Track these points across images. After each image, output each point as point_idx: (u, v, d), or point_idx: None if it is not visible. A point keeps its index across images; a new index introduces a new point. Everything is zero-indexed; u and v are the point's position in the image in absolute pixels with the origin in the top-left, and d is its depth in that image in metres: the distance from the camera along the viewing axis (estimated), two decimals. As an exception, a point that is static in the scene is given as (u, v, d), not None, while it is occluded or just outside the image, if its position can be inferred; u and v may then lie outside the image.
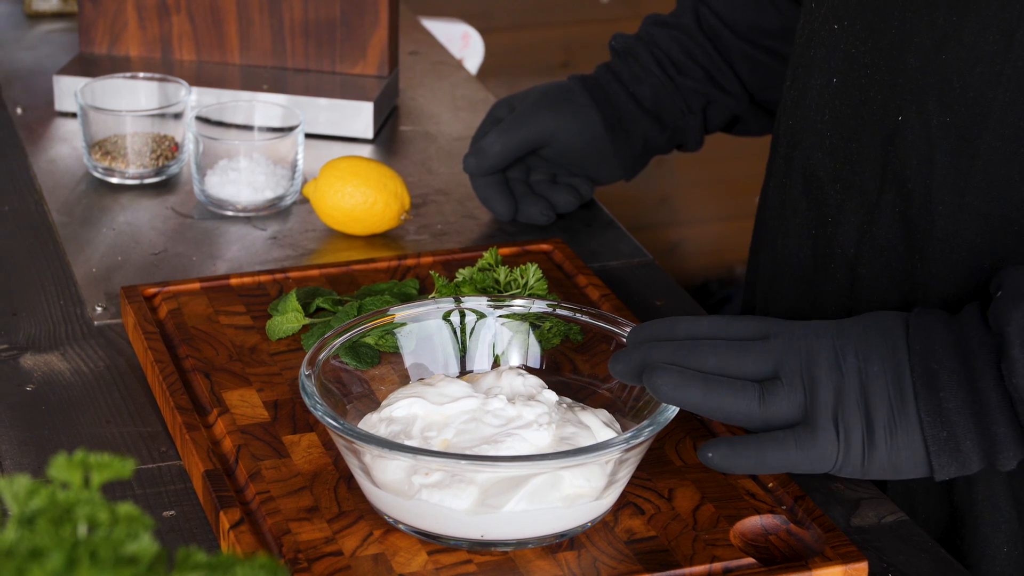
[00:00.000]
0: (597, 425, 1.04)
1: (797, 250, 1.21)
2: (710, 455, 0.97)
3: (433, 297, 1.20)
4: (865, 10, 1.12)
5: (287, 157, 1.46)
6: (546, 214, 1.43)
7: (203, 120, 1.49)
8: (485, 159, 1.41)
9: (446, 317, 1.12)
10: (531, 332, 1.13)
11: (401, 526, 1.00)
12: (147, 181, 1.51)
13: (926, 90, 1.07)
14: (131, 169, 1.50)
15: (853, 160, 1.13)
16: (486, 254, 1.25)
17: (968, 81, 1.04)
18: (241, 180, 1.44)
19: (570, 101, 1.41)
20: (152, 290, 1.26)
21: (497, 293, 1.22)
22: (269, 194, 1.45)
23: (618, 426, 1.05)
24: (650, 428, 0.98)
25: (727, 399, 0.96)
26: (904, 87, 1.08)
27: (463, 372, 1.12)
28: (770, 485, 1.05)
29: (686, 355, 0.98)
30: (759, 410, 0.96)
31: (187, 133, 1.51)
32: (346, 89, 1.63)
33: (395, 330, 1.11)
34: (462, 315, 1.12)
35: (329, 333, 1.08)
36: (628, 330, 1.06)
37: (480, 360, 1.13)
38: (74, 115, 1.64)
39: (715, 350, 0.98)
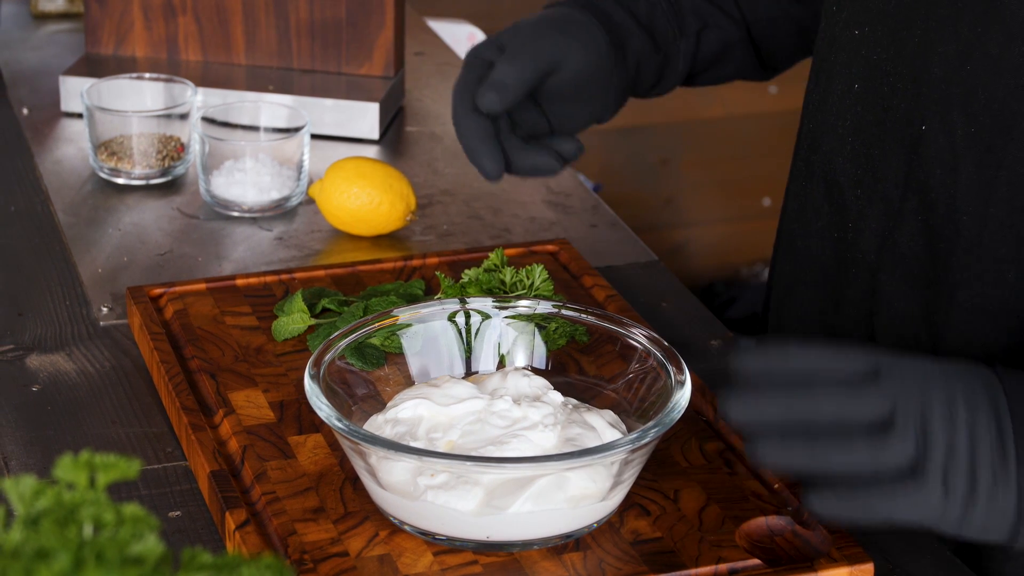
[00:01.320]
0: (603, 426, 1.04)
1: (819, 252, 1.20)
2: (815, 504, 0.92)
3: (439, 298, 1.20)
4: (886, 17, 1.11)
5: (293, 158, 1.46)
6: (557, 161, 1.26)
7: (209, 121, 1.49)
8: (507, 90, 1.22)
9: (451, 318, 1.12)
10: (537, 333, 1.13)
11: (407, 527, 1.00)
12: (153, 182, 1.51)
13: (950, 100, 1.06)
14: (137, 170, 1.50)
15: (875, 167, 1.12)
16: (492, 255, 1.25)
17: (993, 92, 1.03)
18: (247, 181, 1.44)
19: (573, 21, 1.27)
20: (158, 291, 1.26)
21: (503, 294, 1.22)
22: (275, 195, 1.45)
23: (623, 427, 1.05)
24: (656, 429, 0.98)
25: (835, 458, 0.91)
26: (928, 96, 1.07)
27: (468, 373, 1.12)
28: (776, 486, 1.05)
29: (800, 408, 0.92)
30: (870, 462, 0.91)
31: (193, 134, 1.51)
32: (352, 90, 1.63)
33: (401, 331, 1.11)
34: (467, 316, 1.12)
35: (335, 334, 1.08)
36: (739, 352, 0.96)
37: (486, 361, 1.13)
38: (80, 116, 1.64)
39: (829, 397, 0.92)
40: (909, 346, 1.11)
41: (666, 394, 1.03)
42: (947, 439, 0.91)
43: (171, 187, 1.51)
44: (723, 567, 0.98)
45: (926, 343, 1.10)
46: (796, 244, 1.23)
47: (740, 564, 0.98)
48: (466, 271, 1.24)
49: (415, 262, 1.32)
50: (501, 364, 1.13)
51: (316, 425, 1.11)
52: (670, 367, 1.05)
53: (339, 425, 0.98)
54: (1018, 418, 0.91)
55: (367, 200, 1.39)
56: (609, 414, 1.06)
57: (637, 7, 1.32)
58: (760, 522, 1.02)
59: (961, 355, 1.07)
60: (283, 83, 1.64)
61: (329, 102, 1.61)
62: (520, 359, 1.13)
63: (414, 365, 1.11)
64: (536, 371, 1.11)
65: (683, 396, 1.02)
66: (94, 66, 1.66)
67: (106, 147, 1.51)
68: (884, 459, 0.91)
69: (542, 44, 1.25)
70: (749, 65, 1.41)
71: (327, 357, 1.05)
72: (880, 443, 0.90)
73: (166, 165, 1.51)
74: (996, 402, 0.92)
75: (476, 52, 1.27)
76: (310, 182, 1.49)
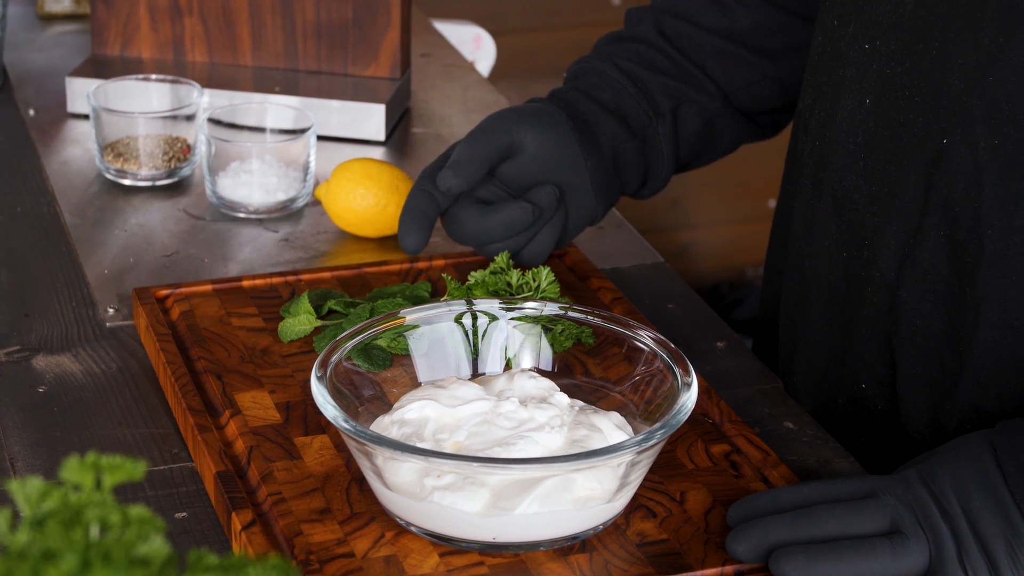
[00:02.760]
0: (609, 428, 1.04)
1: (827, 273, 1.18)
2: None
3: (445, 300, 1.20)
4: (901, 31, 1.09)
5: (299, 159, 1.46)
6: (529, 209, 1.25)
7: (215, 122, 1.49)
8: (462, 167, 1.25)
9: (458, 320, 1.12)
10: (543, 335, 1.13)
11: (413, 528, 1.00)
12: (159, 183, 1.51)
13: (972, 112, 1.05)
14: (143, 171, 1.50)
15: (892, 182, 1.11)
16: (498, 257, 1.25)
17: (1017, 103, 1.02)
18: (253, 182, 1.44)
19: (533, 109, 1.29)
20: (164, 292, 1.26)
21: (509, 296, 1.22)
22: (281, 196, 1.45)
23: (630, 428, 1.05)
24: (662, 431, 0.98)
25: (860, 562, 0.95)
26: (948, 109, 1.06)
27: (475, 374, 1.12)
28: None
29: (805, 525, 0.97)
30: (893, 564, 0.95)
31: (199, 135, 1.51)
32: (358, 91, 1.63)
33: (407, 332, 1.11)
34: (474, 317, 1.12)
35: (341, 335, 1.08)
36: (729, 510, 1.02)
37: (492, 362, 1.13)
38: (86, 117, 1.64)
39: (831, 513, 0.97)
40: (932, 364, 1.11)
41: (672, 396, 1.03)
42: (952, 531, 0.96)
43: (177, 188, 1.51)
44: (729, 568, 0.98)
45: (950, 360, 1.09)
46: (803, 264, 1.21)
47: (746, 566, 0.98)
48: (472, 273, 1.24)
49: (421, 264, 1.32)
50: (508, 366, 1.13)
51: (322, 426, 1.11)
52: (676, 369, 1.05)
53: (345, 426, 0.98)
54: (1012, 476, 0.96)
55: (373, 202, 1.39)
56: (615, 416, 1.06)
57: (601, 96, 1.32)
58: (766, 524, 1.02)
59: (987, 371, 1.07)
60: (289, 84, 1.64)
61: (335, 103, 1.61)
62: (526, 361, 1.13)
63: (420, 366, 1.11)
64: (542, 373, 1.11)
65: (689, 398, 1.02)
66: (100, 67, 1.66)
67: (112, 148, 1.51)
68: (908, 562, 0.96)
69: (499, 125, 1.27)
70: (745, 132, 1.40)
71: (334, 358, 1.05)
72: (899, 547, 0.96)
73: (172, 166, 1.51)
74: (987, 471, 0.97)
75: (445, 152, 1.29)
76: (316, 183, 1.49)
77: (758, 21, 1.36)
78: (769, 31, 1.35)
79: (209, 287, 1.27)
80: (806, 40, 1.34)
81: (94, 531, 0.64)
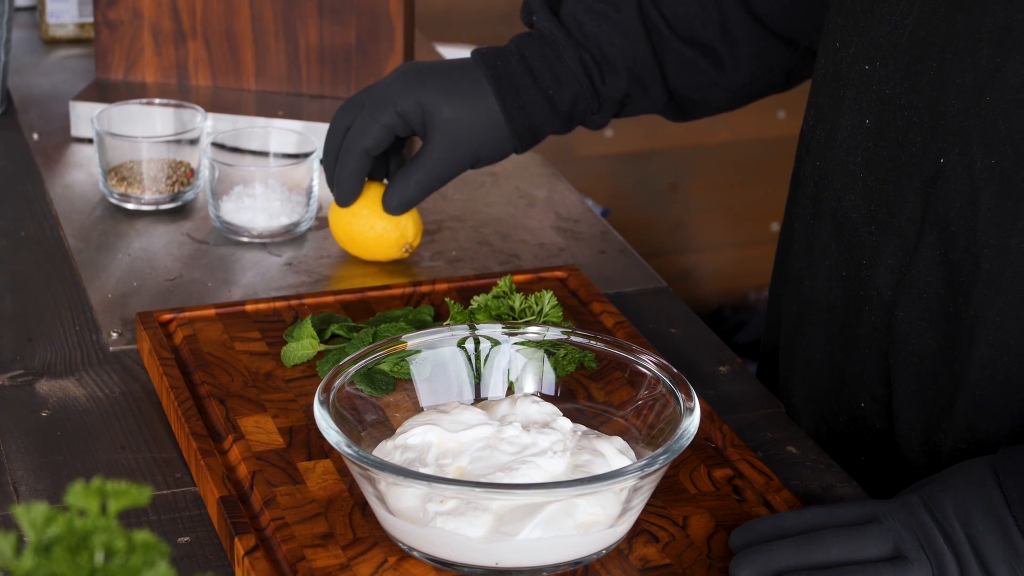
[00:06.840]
0: (612, 452, 1.04)
1: (826, 292, 1.19)
2: None
3: (448, 324, 1.20)
4: (899, 51, 1.10)
5: (302, 183, 1.46)
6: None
7: (218, 146, 1.49)
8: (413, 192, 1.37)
9: (461, 344, 1.12)
10: (546, 359, 1.13)
11: (416, 553, 1.00)
12: (163, 207, 1.51)
13: (969, 132, 1.05)
14: (147, 195, 1.50)
15: (890, 202, 1.12)
16: (501, 281, 1.25)
17: (1013, 123, 1.03)
18: (256, 206, 1.45)
19: (475, 98, 1.36)
20: (167, 316, 1.26)
21: (512, 320, 1.22)
22: (284, 220, 1.46)
23: (632, 453, 1.05)
24: (664, 455, 0.98)
25: None
26: (945, 129, 1.07)
27: (478, 399, 1.12)
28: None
29: (809, 550, 0.97)
30: None
31: (203, 159, 1.51)
32: (361, 115, 1.63)
33: (410, 357, 1.11)
34: (477, 342, 1.13)
35: (344, 360, 1.08)
36: (731, 534, 1.02)
37: (495, 387, 1.13)
38: (90, 141, 1.65)
39: (835, 539, 0.97)
40: (927, 383, 1.11)
41: (675, 421, 1.04)
42: (955, 555, 0.96)
43: (181, 212, 1.51)
44: (732, 594, 0.98)
45: (945, 379, 1.10)
46: (803, 284, 1.22)
47: (749, 591, 0.98)
48: (475, 297, 1.24)
49: (424, 288, 1.32)
50: (510, 390, 1.13)
51: (325, 451, 1.11)
52: (679, 393, 1.05)
53: (348, 451, 0.98)
54: (1017, 503, 0.96)
55: (370, 224, 1.38)
56: (618, 440, 1.06)
57: (560, 92, 1.36)
58: (769, 549, 1.02)
59: (982, 390, 1.08)
60: (292, 109, 1.65)
61: (338, 128, 1.61)
62: (529, 385, 1.13)
63: (423, 391, 1.11)
64: (545, 397, 1.12)
65: (692, 423, 1.02)
66: (104, 91, 1.67)
67: (116, 172, 1.51)
68: None
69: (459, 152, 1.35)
70: (670, 114, 1.44)
71: (336, 383, 1.06)
72: (902, 572, 0.96)
73: (176, 190, 1.51)
74: (989, 496, 0.97)
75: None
76: (319, 208, 1.49)
77: (725, 21, 1.37)
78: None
79: (212, 311, 1.27)
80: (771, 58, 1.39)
81: (99, 556, 0.64)
